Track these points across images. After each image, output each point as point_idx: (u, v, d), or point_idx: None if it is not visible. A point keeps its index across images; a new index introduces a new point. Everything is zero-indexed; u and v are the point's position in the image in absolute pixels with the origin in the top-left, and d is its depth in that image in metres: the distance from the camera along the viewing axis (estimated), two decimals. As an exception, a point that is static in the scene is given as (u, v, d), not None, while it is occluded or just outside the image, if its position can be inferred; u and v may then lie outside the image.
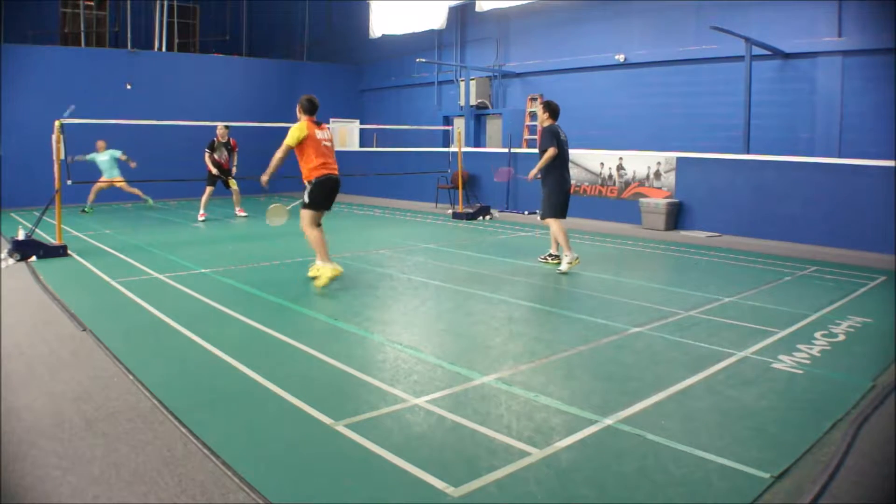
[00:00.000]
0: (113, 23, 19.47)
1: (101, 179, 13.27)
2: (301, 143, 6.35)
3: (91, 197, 13.61)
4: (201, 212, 12.40)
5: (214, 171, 12.25)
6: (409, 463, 2.94)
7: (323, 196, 6.48)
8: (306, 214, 6.45)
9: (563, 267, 7.46)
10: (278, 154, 6.42)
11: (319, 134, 6.42)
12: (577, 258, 7.54)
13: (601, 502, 2.67)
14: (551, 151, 7.38)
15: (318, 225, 6.57)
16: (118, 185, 13.50)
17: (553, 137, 7.43)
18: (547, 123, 7.59)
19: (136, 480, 2.78)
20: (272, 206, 6.79)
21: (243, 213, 13.04)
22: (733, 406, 3.66)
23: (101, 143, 13.49)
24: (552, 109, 7.60)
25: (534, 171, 7.58)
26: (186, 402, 3.64)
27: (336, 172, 6.52)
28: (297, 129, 6.32)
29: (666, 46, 13.06)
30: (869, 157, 9.47)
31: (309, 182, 6.42)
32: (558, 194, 7.55)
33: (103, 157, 13.48)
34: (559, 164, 7.52)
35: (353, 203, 15.79)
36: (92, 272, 7.31)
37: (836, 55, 10.82)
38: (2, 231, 10.24)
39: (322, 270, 6.49)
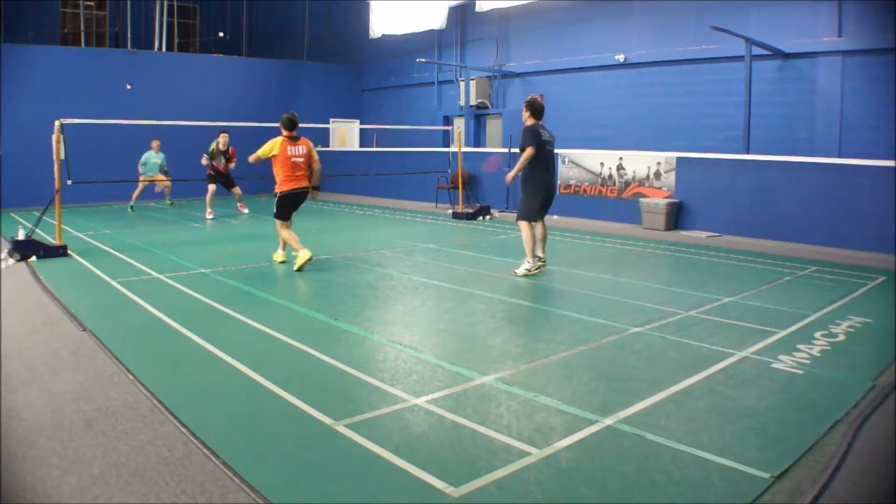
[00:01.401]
0: (113, 23, 19.48)
1: (146, 178, 13.70)
2: (274, 157, 7.26)
3: (136, 193, 14.14)
4: (209, 210, 12.52)
5: (219, 166, 12.42)
6: (409, 463, 2.94)
7: (288, 207, 7.43)
8: (277, 221, 7.47)
9: (520, 271, 7.20)
10: (251, 158, 7.50)
11: (291, 150, 7.27)
12: (539, 269, 7.30)
13: (601, 502, 2.67)
14: (528, 151, 7.04)
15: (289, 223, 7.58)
16: (159, 182, 14.02)
17: (532, 137, 7.08)
18: (529, 122, 7.24)
19: (136, 480, 2.78)
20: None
21: (245, 210, 13.13)
22: (733, 406, 3.66)
23: (156, 143, 14.00)
24: (534, 108, 7.20)
25: (512, 174, 7.33)
26: (186, 402, 3.64)
27: (301, 184, 7.38)
28: (270, 146, 7.22)
29: (666, 46, 13.06)
30: (869, 157, 9.46)
31: (276, 195, 7.41)
32: (534, 198, 7.25)
33: (156, 159, 13.99)
34: (539, 166, 7.19)
35: (353, 203, 15.78)
36: (92, 272, 7.31)
37: (836, 55, 10.82)
38: (2, 231, 10.24)
39: (298, 256, 7.29)
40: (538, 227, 7.51)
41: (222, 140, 12.36)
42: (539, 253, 7.48)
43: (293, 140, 7.29)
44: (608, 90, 14.13)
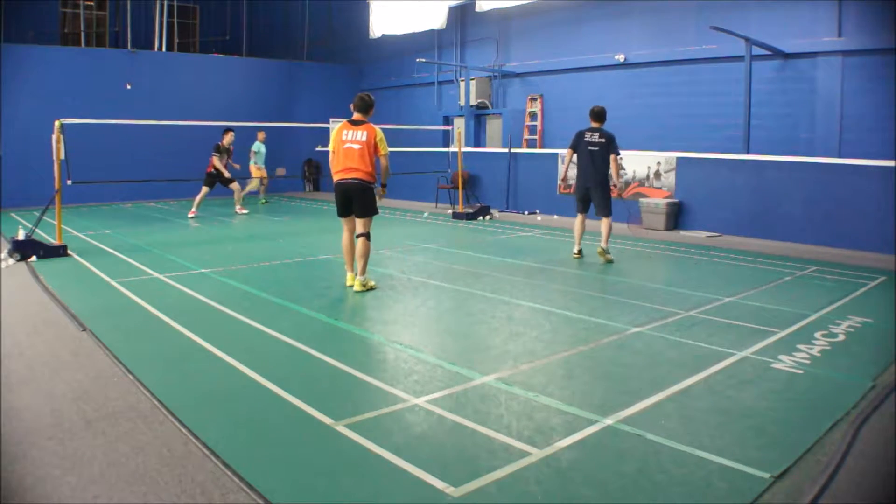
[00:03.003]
0: (113, 23, 19.46)
1: (260, 169, 14.34)
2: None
3: (262, 188, 14.97)
4: (192, 209, 12.56)
5: (227, 173, 12.51)
6: (409, 463, 2.94)
7: (336, 201, 6.47)
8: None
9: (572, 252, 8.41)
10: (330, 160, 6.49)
11: (347, 135, 6.23)
12: (577, 255, 8.32)
13: (601, 502, 2.67)
14: (566, 153, 8.31)
15: (350, 230, 6.54)
16: (259, 179, 14.53)
17: (573, 139, 8.20)
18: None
19: (136, 480, 2.78)
20: None
21: (244, 211, 13.12)
22: (733, 406, 3.66)
23: (262, 134, 14.67)
24: (591, 112, 8.21)
25: (560, 175, 8.49)
26: (186, 402, 3.64)
27: (349, 175, 6.22)
28: (332, 136, 6.38)
29: (666, 46, 13.05)
30: (869, 157, 9.46)
31: None
32: (575, 191, 8.42)
33: (264, 150, 14.66)
34: (578, 164, 8.21)
35: (353, 203, 15.76)
36: (92, 272, 7.31)
37: (836, 55, 10.80)
38: (2, 231, 10.24)
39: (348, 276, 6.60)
40: (601, 222, 8.18)
41: (227, 138, 12.50)
42: (602, 244, 8.17)
43: (355, 124, 6.25)
44: (608, 90, 14.10)
